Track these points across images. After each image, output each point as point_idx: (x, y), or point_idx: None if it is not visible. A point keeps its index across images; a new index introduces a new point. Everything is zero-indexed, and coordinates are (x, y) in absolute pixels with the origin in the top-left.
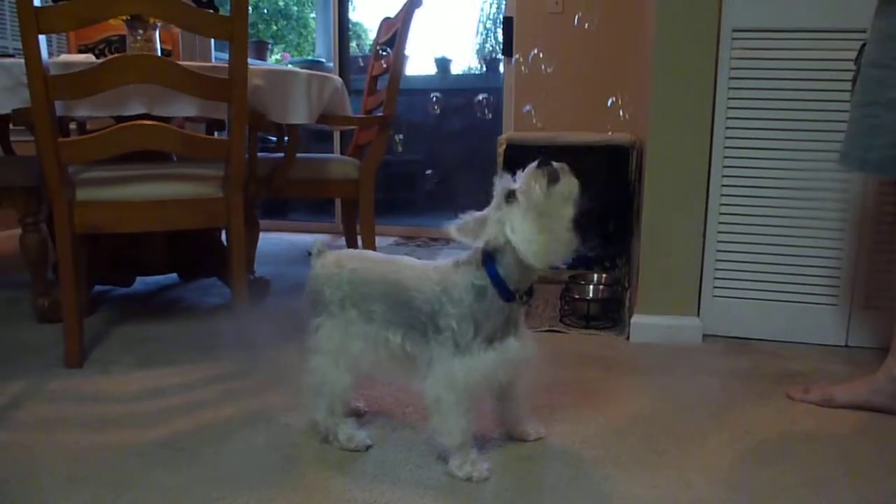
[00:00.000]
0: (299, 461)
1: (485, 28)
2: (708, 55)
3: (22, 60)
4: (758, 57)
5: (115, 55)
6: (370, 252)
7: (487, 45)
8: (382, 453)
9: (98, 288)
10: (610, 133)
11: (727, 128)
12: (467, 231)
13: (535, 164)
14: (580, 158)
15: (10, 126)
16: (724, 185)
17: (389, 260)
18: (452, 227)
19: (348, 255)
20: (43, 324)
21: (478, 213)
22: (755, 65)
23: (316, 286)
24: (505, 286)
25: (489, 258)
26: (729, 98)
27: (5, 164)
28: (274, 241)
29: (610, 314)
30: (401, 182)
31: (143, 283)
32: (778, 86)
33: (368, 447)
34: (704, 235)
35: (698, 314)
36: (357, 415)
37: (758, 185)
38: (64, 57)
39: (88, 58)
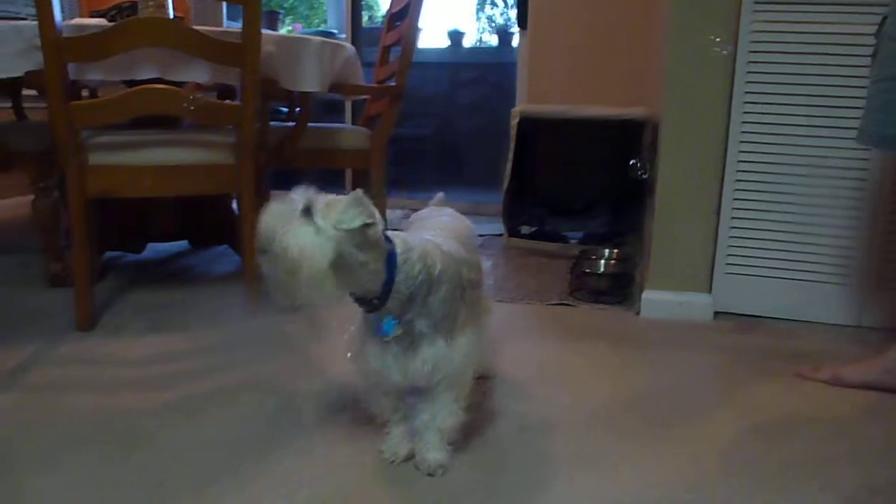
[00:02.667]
0: (306, 425)
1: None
2: (727, 27)
3: (34, 23)
4: (779, 30)
5: (128, 18)
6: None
7: (483, 15)
8: None
9: (109, 254)
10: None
11: (745, 102)
12: None
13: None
14: (594, 133)
15: (23, 92)
16: (740, 161)
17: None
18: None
19: None
20: (54, 288)
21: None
22: (777, 38)
23: None
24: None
25: None
26: (748, 72)
27: (18, 130)
28: None
29: (620, 290)
30: (409, 156)
31: (153, 249)
32: (799, 60)
33: None
34: (718, 212)
35: (710, 291)
36: None
37: (775, 161)
38: (77, 20)
39: (101, 22)
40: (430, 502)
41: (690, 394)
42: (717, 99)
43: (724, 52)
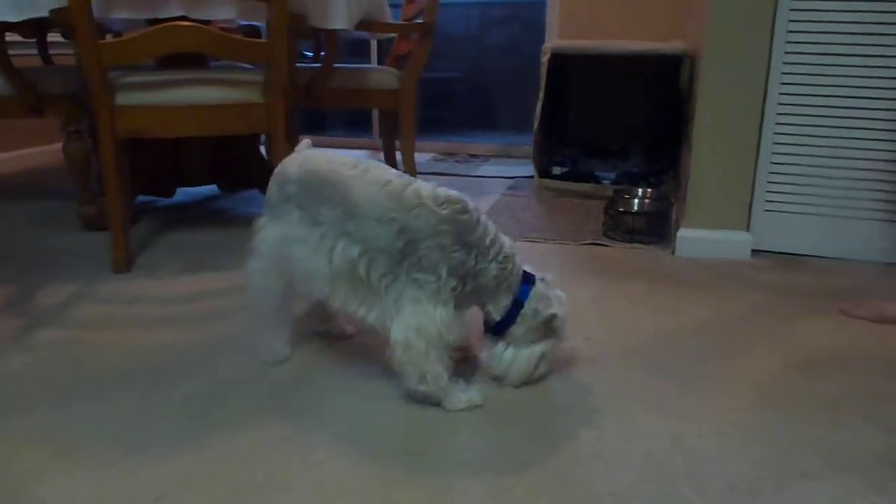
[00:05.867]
0: (343, 354)
1: None
2: None
3: None
4: None
5: None
6: (341, 156)
7: None
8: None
9: (140, 199)
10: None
11: (789, 31)
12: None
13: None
14: (629, 69)
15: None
16: (781, 94)
17: (358, 164)
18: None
19: (313, 154)
20: (89, 232)
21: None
22: None
23: (269, 184)
24: (510, 322)
25: (527, 299)
26: None
27: (46, 73)
28: None
29: (655, 229)
30: (439, 99)
31: (183, 194)
32: None
33: (277, 363)
34: (758, 148)
35: (748, 228)
36: (343, 337)
37: (817, 94)
38: None
39: None
40: (473, 437)
41: (730, 331)
42: (759, 31)
43: None
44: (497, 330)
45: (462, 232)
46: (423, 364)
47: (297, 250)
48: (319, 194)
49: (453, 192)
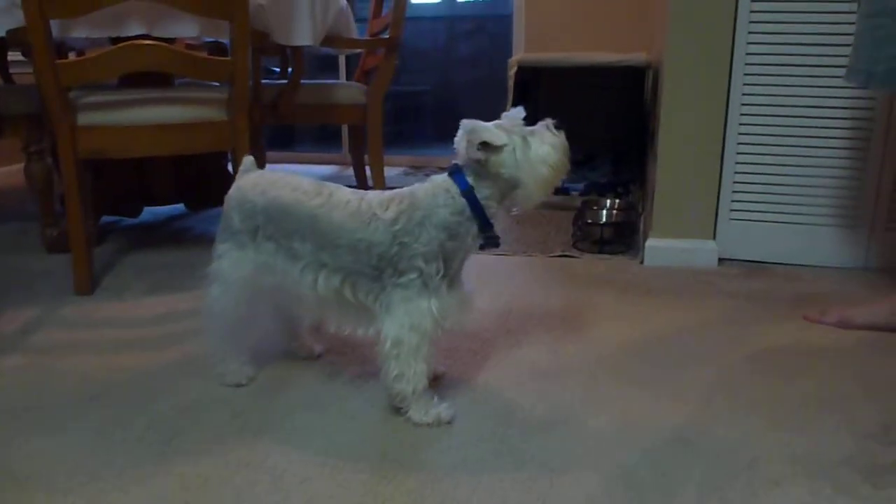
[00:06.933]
0: (313, 380)
1: None
2: None
3: None
4: None
5: None
6: (298, 177)
7: None
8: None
9: (106, 219)
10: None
11: (749, 43)
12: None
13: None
14: (594, 81)
15: (9, 56)
16: (743, 104)
17: (321, 190)
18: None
19: (271, 178)
20: (52, 254)
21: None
22: None
23: (227, 209)
24: (485, 215)
25: (468, 186)
26: (751, 11)
27: (5, 93)
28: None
29: (623, 239)
30: (407, 112)
31: (150, 213)
32: None
33: (242, 385)
34: (722, 157)
35: (714, 237)
36: (312, 357)
37: (778, 104)
38: None
39: None
40: (443, 453)
41: (698, 338)
42: (719, 42)
43: None
44: (485, 228)
45: (413, 218)
46: (408, 360)
47: (280, 279)
48: (288, 228)
49: (393, 191)
